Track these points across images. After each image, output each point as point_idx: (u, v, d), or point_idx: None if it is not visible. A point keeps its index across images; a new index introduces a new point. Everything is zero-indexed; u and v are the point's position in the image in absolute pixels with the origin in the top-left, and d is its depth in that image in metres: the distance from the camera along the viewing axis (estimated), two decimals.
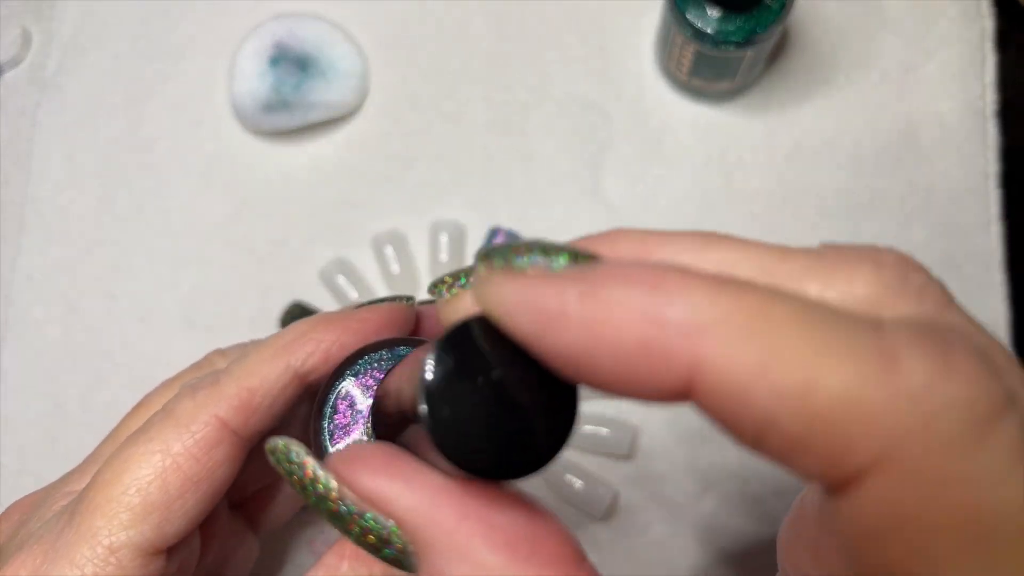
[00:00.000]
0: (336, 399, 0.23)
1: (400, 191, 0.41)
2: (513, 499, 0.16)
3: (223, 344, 0.40)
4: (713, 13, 0.34)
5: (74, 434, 0.40)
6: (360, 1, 0.43)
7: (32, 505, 0.26)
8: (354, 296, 0.39)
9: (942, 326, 0.13)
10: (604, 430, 0.37)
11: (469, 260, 0.40)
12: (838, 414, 0.12)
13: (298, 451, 0.17)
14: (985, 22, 0.41)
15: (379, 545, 0.15)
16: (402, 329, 0.26)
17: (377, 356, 0.24)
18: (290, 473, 0.17)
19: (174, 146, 0.42)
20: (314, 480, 0.16)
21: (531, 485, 0.38)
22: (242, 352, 0.25)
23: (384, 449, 0.16)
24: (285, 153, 0.42)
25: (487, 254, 0.15)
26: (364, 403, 0.23)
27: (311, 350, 0.24)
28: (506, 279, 0.14)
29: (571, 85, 0.41)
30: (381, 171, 0.41)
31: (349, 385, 0.24)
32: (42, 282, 0.41)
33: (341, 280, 0.39)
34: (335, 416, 0.23)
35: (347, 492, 0.16)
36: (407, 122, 0.42)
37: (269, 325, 0.40)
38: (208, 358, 0.28)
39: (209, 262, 0.41)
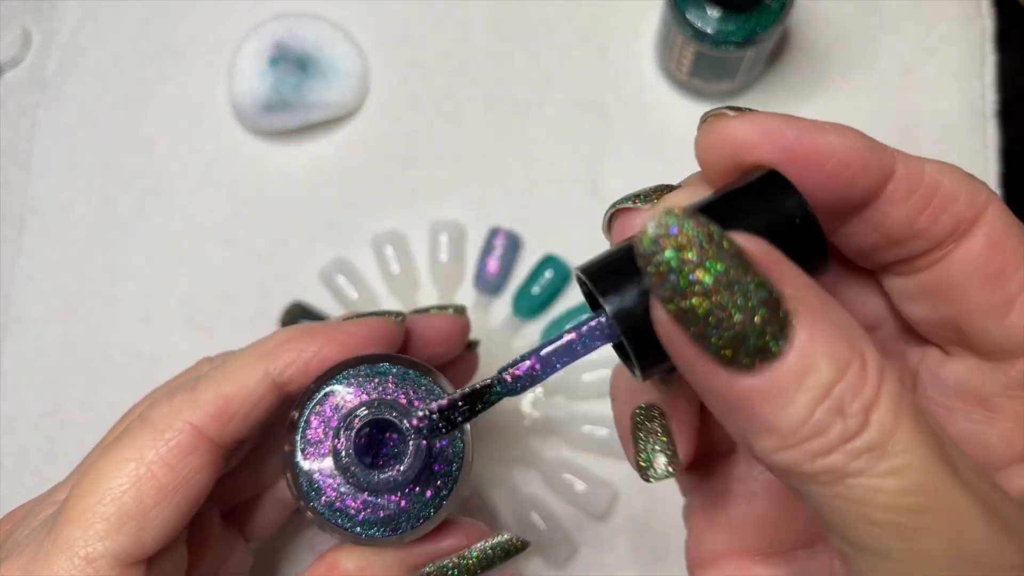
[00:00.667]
0: (310, 413, 0.23)
1: (400, 191, 0.41)
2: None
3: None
4: (713, 13, 0.34)
5: (74, 434, 0.40)
6: (360, 1, 0.43)
7: (22, 515, 0.25)
8: (354, 296, 0.39)
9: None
10: (604, 430, 0.37)
11: (469, 260, 0.40)
12: (963, 187, 0.19)
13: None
14: (985, 22, 0.41)
15: (766, 314, 0.15)
16: (388, 345, 0.25)
17: (356, 371, 0.23)
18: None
19: (174, 146, 0.42)
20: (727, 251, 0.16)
21: (531, 485, 0.38)
22: (223, 358, 0.25)
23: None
24: (285, 153, 0.42)
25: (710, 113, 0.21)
26: (338, 419, 0.23)
27: (290, 359, 0.23)
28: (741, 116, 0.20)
29: (571, 85, 0.41)
30: (381, 171, 0.41)
31: (325, 399, 0.23)
32: (42, 282, 0.41)
33: (341, 280, 0.39)
34: (307, 431, 0.23)
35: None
36: (407, 122, 0.42)
37: (269, 325, 0.40)
38: (196, 365, 0.27)
39: (209, 262, 0.41)
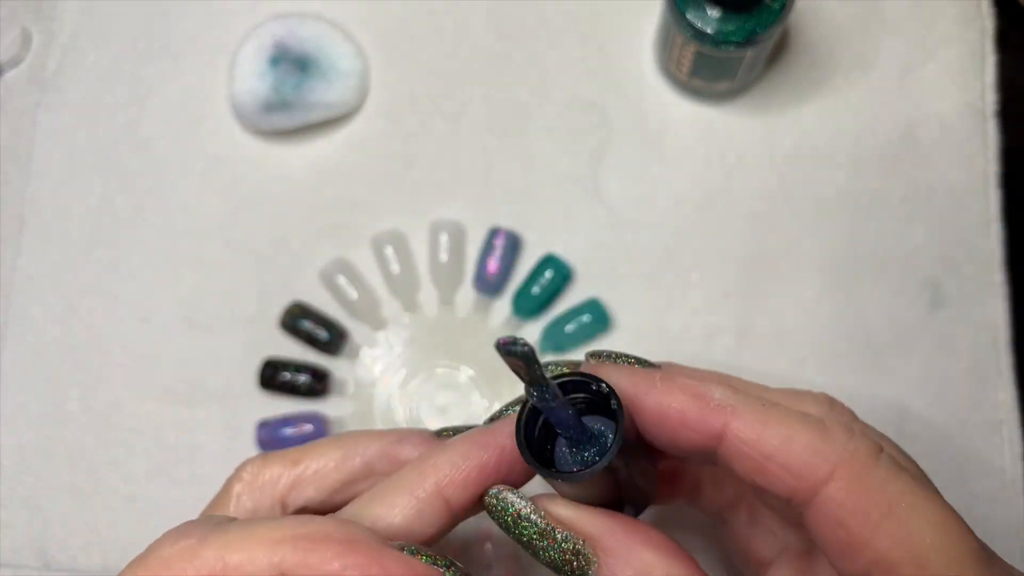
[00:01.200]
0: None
1: (400, 191, 0.41)
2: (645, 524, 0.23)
3: (223, 344, 0.40)
4: (713, 13, 0.34)
5: (74, 434, 0.40)
6: (360, 1, 0.43)
7: None
8: (353, 296, 0.39)
9: (851, 422, 0.25)
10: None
11: (469, 260, 0.40)
12: (806, 454, 0.21)
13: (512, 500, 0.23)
14: (985, 22, 0.41)
15: (571, 559, 0.22)
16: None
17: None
18: (506, 517, 0.23)
19: (174, 146, 0.42)
20: (527, 516, 0.23)
21: (530, 485, 0.38)
22: (252, 522, 0.22)
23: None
24: (285, 153, 0.42)
25: (596, 354, 0.25)
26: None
27: (310, 564, 0.21)
28: (614, 367, 0.24)
29: (571, 85, 0.41)
30: (381, 171, 0.41)
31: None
32: (42, 282, 0.41)
33: (341, 280, 0.40)
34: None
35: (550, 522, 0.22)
36: (407, 122, 0.42)
37: (269, 324, 0.40)
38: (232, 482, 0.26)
39: (209, 262, 0.41)
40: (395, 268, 0.40)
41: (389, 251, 0.40)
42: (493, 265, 0.39)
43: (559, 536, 0.22)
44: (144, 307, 0.41)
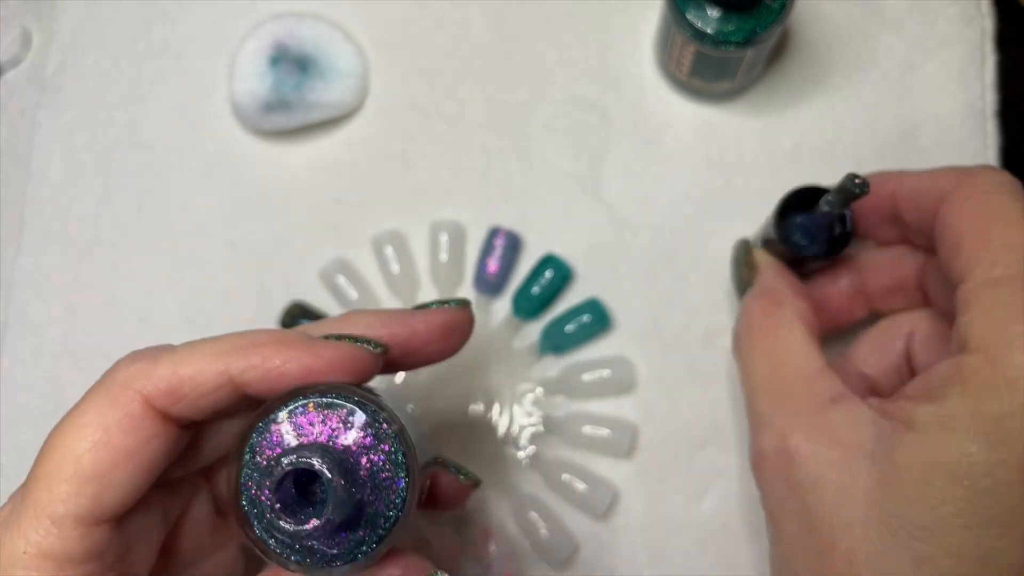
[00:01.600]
0: (260, 439, 0.22)
1: (400, 191, 0.41)
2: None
3: None
4: (713, 13, 0.34)
5: None
6: (360, 1, 0.43)
7: None
8: (354, 296, 0.39)
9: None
10: (605, 430, 0.37)
11: (469, 260, 0.40)
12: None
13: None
14: (985, 22, 0.41)
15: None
16: (359, 375, 0.24)
17: (313, 399, 0.22)
18: None
19: (174, 146, 0.42)
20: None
21: (531, 484, 0.38)
22: (199, 340, 0.25)
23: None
24: (285, 153, 0.42)
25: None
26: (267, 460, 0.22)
27: (253, 364, 0.23)
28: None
29: (571, 85, 0.41)
30: (381, 171, 0.41)
31: (268, 427, 0.22)
32: (42, 282, 0.41)
33: (341, 280, 0.40)
34: (256, 458, 0.22)
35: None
36: (407, 122, 0.42)
37: (269, 324, 0.40)
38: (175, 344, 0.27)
39: (209, 262, 0.41)
40: (395, 268, 0.40)
41: (389, 251, 0.40)
42: (493, 265, 0.39)
43: None
44: (144, 307, 0.41)
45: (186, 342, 0.24)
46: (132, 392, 0.23)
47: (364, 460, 0.22)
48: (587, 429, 0.37)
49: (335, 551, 0.22)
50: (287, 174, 0.42)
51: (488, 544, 0.37)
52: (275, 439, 0.22)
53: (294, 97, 0.40)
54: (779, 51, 0.41)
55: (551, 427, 0.38)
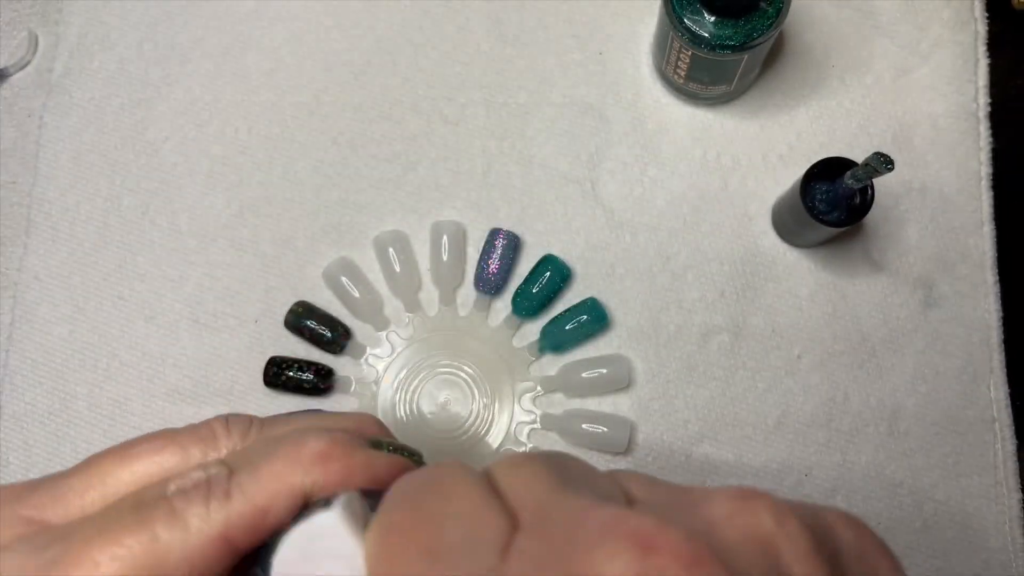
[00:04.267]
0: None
1: (402, 193, 0.42)
2: None
3: (227, 342, 0.40)
4: (710, 18, 0.35)
5: (81, 432, 0.40)
6: (360, 1, 0.43)
7: None
8: (356, 296, 0.40)
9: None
10: (603, 428, 0.38)
11: (470, 260, 0.41)
12: None
13: None
14: (978, 25, 0.41)
15: None
16: (384, 482, 0.23)
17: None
18: None
19: (180, 147, 0.43)
20: None
21: None
22: (252, 453, 0.22)
23: None
24: (290, 155, 0.42)
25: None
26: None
27: (324, 481, 0.21)
28: None
29: (570, 89, 0.42)
30: (383, 173, 0.42)
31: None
32: (49, 282, 0.42)
33: (344, 280, 0.40)
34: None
35: None
36: (409, 125, 0.42)
37: (274, 324, 0.40)
38: (210, 427, 0.25)
39: (214, 262, 0.41)
40: (397, 268, 0.40)
41: (391, 252, 0.40)
42: (493, 265, 0.39)
43: None
44: (150, 306, 0.41)
45: (246, 451, 0.23)
46: (215, 534, 0.20)
47: None
48: (585, 426, 0.38)
49: None
50: (291, 176, 0.42)
51: None
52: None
53: None
54: (775, 55, 0.41)
55: (550, 424, 0.39)
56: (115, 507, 0.21)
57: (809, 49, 0.41)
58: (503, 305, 0.40)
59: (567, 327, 0.39)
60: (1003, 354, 0.39)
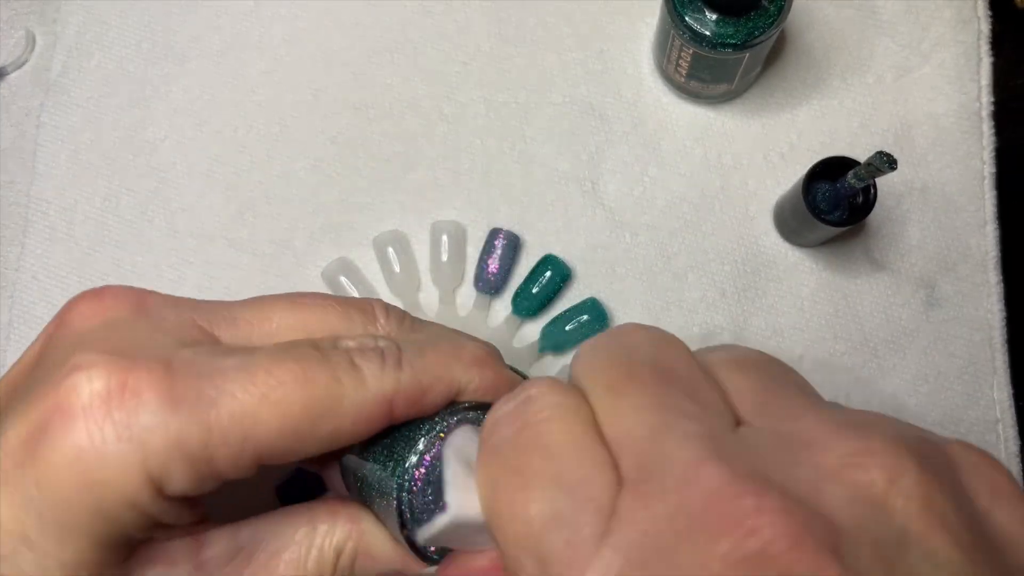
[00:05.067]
0: (420, 461, 0.21)
1: (401, 192, 0.41)
2: None
3: None
4: (711, 16, 0.35)
5: None
6: (361, 1, 0.43)
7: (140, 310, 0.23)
8: (355, 296, 0.40)
9: None
10: None
11: (470, 260, 0.40)
12: None
13: None
14: (981, 24, 0.41)
15: None
16: None
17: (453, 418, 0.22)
18: None
19: (178, 147, 0.43)
20: None
21: None
22: (417, 341, 0.23)
23: None
24: (288, 155, 0.42)
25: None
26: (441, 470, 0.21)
27: (476, 384, 0.23)
28: None
29: (570, 88, 0.42)
30: (383, 173, 0.42)
31: (432, 446, 0.21)
32: (46, 282, 0.42)
33: (343, 280, 0.40)
34: (415, 485, 0.21)
35: None
36: (408, 124, 0.42)
37: None
38: (371, 305, 0.25)
39: (213, 263, 0.41)
40: (397, 268, 0.40)
41: (391, 251, 0.40)
42: (493, 265, 0.39)
43: None
44: None
45: (411, 337, 0.24)
46: (383, 396, 0.21)
47: None
48: None
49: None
50: (290, 175, 0.42)
51: None
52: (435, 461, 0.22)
53: None
54: (776, 54, 0.41)
55: None
56: (293, 344, 0.22)
57: (810, 48, 0.41)
58: (503, 305, 0.40)
59: (567, 327, 0.39)
60: (1006, 354, 0.38)
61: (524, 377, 0.25)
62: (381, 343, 0.22)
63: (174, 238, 0.42)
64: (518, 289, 0.39)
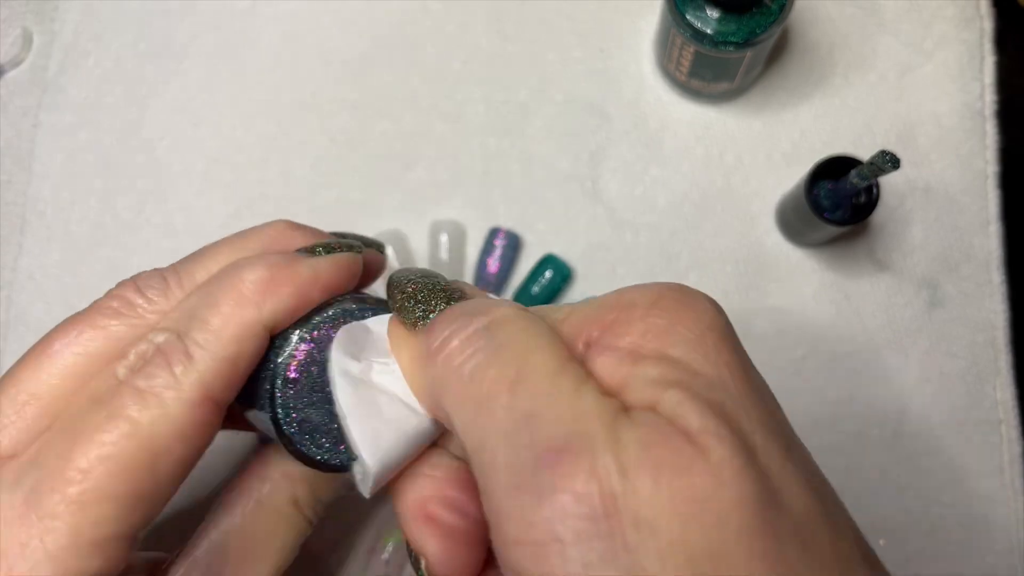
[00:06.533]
0: (288, 364, 0.21)
1: (401, 191, 0.41)
2: None
3: None
4: (713, 14, 0.34)
5: None
6: (361, 1, 0.43)
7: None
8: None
9: None
10: None
11: (470, 259, 0.40)
12: None
13: None
14: (984, 23, 0.41)
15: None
16: (352, 282, 0.23)
17: (332, 315, 0.22)
18: None
19: (175, 146, 0.42)
20: None
21: None
22: (192, 308, 0.21)
23: None
24: (286, 153, 0.42)
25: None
26: (320, 368, 0.21)
27: (283, 307, 0.21)
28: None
29: (571, 86, 0.42)
30: (382, 172, 0.41)
31: (303, 348, 0.21)
32: (43, 282, 0.41)
33: None
34: (288, 387, 0.21)
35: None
36: (407, 123, 0.42)
37: None
38: (119, 297, 0.23)
39: None
40: (396, 267, 0.40)
41: (390, 251, 0.40)
42: (493, 265, 0.39)
43: None
44: None
45: (183, 307, 0.21)
46: (198, 399, 0.20)
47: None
48: None
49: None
50: (288, 174, 0.42)
51: None
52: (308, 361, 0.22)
53: None
54: (778, 52, 0.41)
55: None
56: (70, 414, 0.19)
57: (813, 46, 0.41)
58: None
59: None
60: (1010, 355, 0.38)
61: (349, 247, 0.24)
62: (158, 339, 0.20)
63: (171, 237, 0.41)
64: (518, 289, 0.39)
